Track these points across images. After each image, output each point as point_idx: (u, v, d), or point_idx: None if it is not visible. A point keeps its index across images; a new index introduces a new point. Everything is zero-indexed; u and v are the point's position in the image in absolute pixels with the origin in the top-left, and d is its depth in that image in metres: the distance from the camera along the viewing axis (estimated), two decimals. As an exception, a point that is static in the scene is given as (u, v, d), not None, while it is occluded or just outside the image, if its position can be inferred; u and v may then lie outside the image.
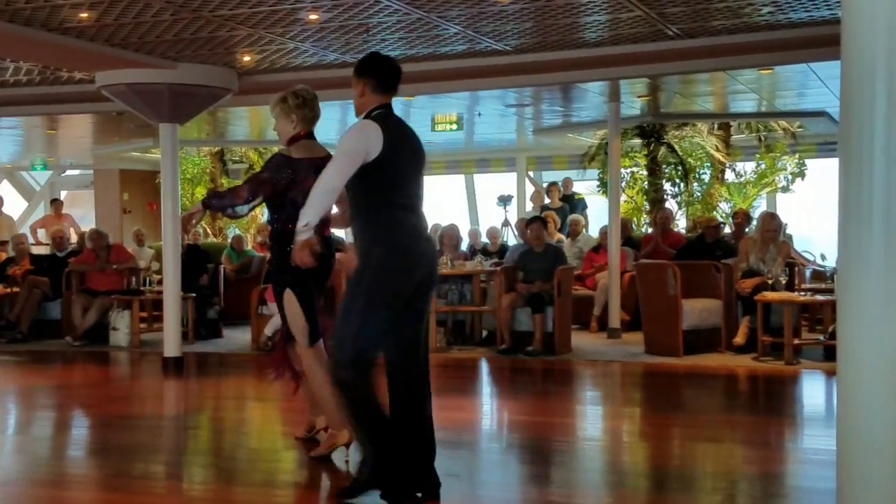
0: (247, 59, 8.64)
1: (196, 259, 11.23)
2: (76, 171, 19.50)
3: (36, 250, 13.54)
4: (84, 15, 7.01)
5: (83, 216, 17.91)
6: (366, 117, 4.33)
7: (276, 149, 16.87)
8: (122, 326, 10.47)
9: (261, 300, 10.03)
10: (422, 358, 4.39)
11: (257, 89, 9.68)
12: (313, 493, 4.76)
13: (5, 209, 16.28)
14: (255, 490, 4.78)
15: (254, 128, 14.97)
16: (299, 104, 5.17)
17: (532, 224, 9.82)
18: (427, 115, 12.57)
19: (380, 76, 4.40)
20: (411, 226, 4.26)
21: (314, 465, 5.29)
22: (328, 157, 4.74)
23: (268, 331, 9.81)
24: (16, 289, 11.33)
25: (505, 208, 13.50)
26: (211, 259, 11.88)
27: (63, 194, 19.26)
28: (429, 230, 4.48)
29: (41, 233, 15.54)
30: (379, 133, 4.18)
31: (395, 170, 4.20)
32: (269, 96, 9.94)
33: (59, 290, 11.08)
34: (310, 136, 5.19)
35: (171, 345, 8.94)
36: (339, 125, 14.49)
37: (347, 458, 5.13)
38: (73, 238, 14.06)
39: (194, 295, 10.66)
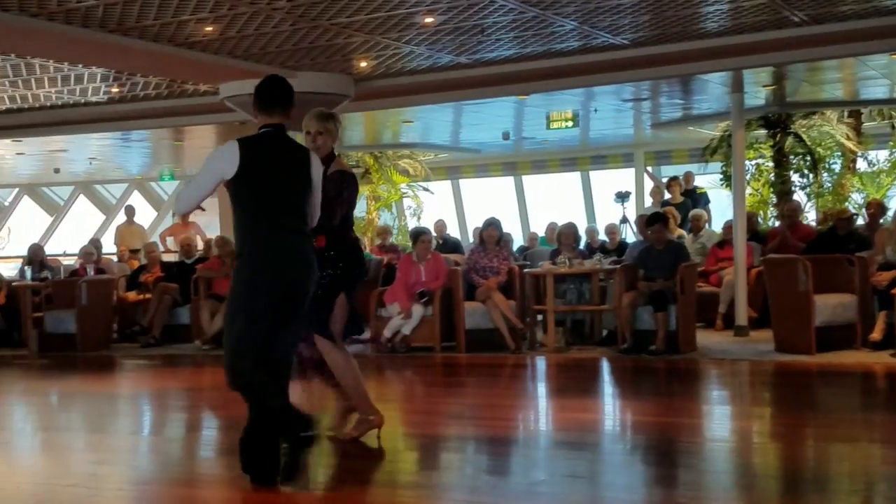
0: (363, 64, 8.74)
1: (317, 263, 11.38)
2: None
3: (166, 258, 14.05)
4: (209, 29, 7.22)
5: (208, 224, 18.47)
6: (244, 136, 4.63)
7: (390, 153, 17.24)
8: (247, 330, 10.69)
9: (380, 302, 10.13)
10: (279, 365, 4.65)
11: (373, 94, 9.80)
12: (432, 493, 4.74)
13: (136, 219, 16.96)
14: (377, 490, 4.80)
15: (369, 132, 15.16)
16: (338, 124, 5.50)
17: (653, 225, 9.58)
18: (542, 113, 12.48)
19: (260, 98, 4.61)
20: (273, 242, 4.48)
21: (434, 466, 5.29)
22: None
23: (387, 332, 9.90)
24: (148, 295, 11.74)
25: (623, 205, 13.26)
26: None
27: (191, 203, 19.87)
28: (302, 247, 4.60)
29: (170, 241, 16.10)
30: (235, 152, 4.43)
31: (257, 187, 4.45)
32: (384, 101, 10.23)
33: (188, 295, 11.44)
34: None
35: (295, 347, 9.08)
36: (452, 127, 14.55)
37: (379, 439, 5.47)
38: (200, 245, 14.51)
39: (316, 298, 10.79)
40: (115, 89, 10.08)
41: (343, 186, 5.28)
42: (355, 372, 5.63)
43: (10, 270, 13.79)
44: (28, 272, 11.85)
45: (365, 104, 10.18)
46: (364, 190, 17.67)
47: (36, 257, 11.96)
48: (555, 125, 12.70)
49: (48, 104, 10.88)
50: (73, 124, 11.68)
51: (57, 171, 17.75)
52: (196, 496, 4.77)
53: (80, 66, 8.83)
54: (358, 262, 5.55)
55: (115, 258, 14.17)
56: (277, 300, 4.50)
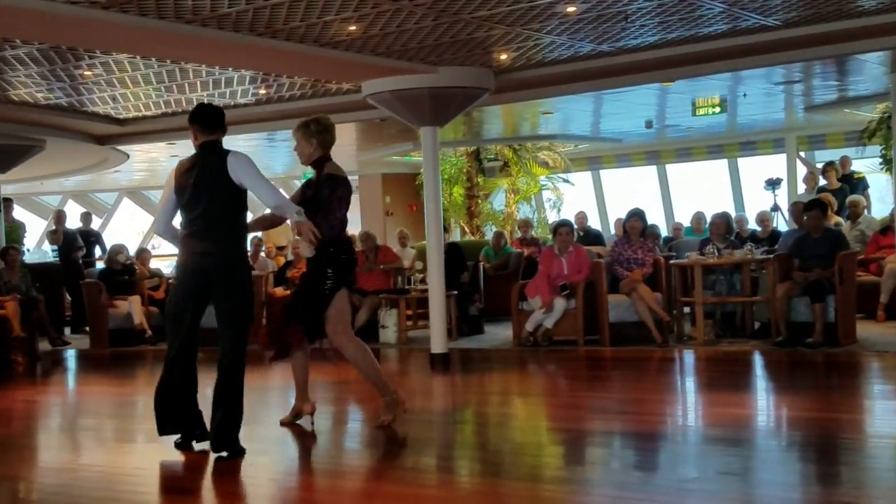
0: (503, 57, 8.69)
1: (456, 257, 11.45)
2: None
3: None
4: (352, 28, 7.32)
5: (349, 220, 18.85)
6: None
7: (529, 145, 17.13)
8: (390, 324, 10.87)
9: (521, 296, 10.07)
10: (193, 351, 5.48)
11: (513, 87, 9.73)
12: (579, 488, 4.64)
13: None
14: (521, 484, 4.74)
15: (507, 125, 15.10)
16: (320, 130, 5.91)
17: (810, 211, 9.15)
18: (687, 99, 12.13)
19: (195, 120, 5.40)
20: (187, 246, 5.29)
21: (579, 461, 5.20)
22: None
23: (529, 326, 9.84)
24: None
25: (773, 192, 12.74)
26: (468, 257, 12.08)
27: (332, 200, 20.33)
28: (206, 247, 5.22)
29: (314, 237, 16.50)
30: (173, 171, 5.35)
31: (181, 199, 5.28)
32: (524, 93, 10.15)
33: (333, 290, 11.65)
34: (329, 157, 5.95)
35: (438, 341, 9.16)
36: (592, 117, 14.32)
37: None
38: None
39: (456, 292, 10.87)
40: (261, 91, 10.37)
41: (335, 186, 5.74)
42: (370, 358, 5.98)
43: (166, 267, 14.44)
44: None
45: (504, 97, 10.11)
46: (503, 183, 17.65)
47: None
48: (701, 111, 12.33)
49: (199, 107, 11.30)
50: (222, 126, 12.08)
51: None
52: (341, 487, 4.83)
53: (230, 69, 9.13)
54: (353, 260, 6.02)
55: (262, 255, 14.61)
56: (201, 300, 5.39)
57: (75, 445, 6.31)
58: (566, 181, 18.19)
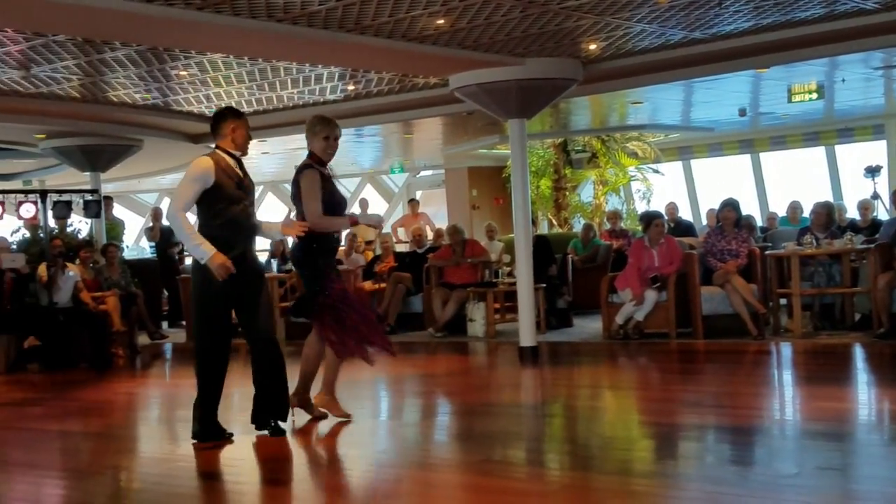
0: (592, 47, 8.58)
1: (543, 250, 11.39)
2: (429, 172, 20.67)
3: (399, 248, 14.50)
4: (440, 22, 7.33)
5: (435, 213, 18.94)
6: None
7: (618, 136, 16.93)
8: (478, 317, 10.87)
9: (610, 288, 9.96)
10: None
11: (602, 77, 9.61)
12: (673, 483, 4.56)
13: (369, 211, 17.64)
14: (612, 478, 4.68)
15: (595, 116, 14.93)
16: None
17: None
18: (782, 86, 11.80)
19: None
20: None
21: (673, 455, 5.11)
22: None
23: (619, 319, 9.72)
24: (383, 285, 12.16)
25: (873, 180, 12.29)
26: (555, 250, 12.00)
27: (418, 194, 20.49)
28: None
29: (401, 231, 16.63)
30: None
31: None
32: (613, 83, 10.02)
33: (421, 284, 11.74)
34: None
35: (527, 334, 9.12)
36: (683, 106, 14.06)
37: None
38: (430, 235, 14.87)
39: (544, 285, 10.81)
40: (350, 87, 10.48)
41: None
42: (318, 363, 6.14)
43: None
44: (274, 264, 12.57)
45: (592, 87, 10.00)
46: (591, 174, 17.47)
47: (277, 250, 12.66)
48: (797, 98, 11.97)
49: (290, 105, 11.48)
50: (312, 123, 12.26)
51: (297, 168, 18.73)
52: (435, 479, 4.85)
53: (319, 66, 9.25)
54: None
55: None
56: None
57: (173, 436, 6.48)
58: (656, 171, 17.90)
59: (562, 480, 4.79)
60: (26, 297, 10.30)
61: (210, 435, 5.56)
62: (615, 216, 14.23)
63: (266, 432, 5.66)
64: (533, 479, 4.81)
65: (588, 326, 11.00)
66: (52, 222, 11.23)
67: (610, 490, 4.47)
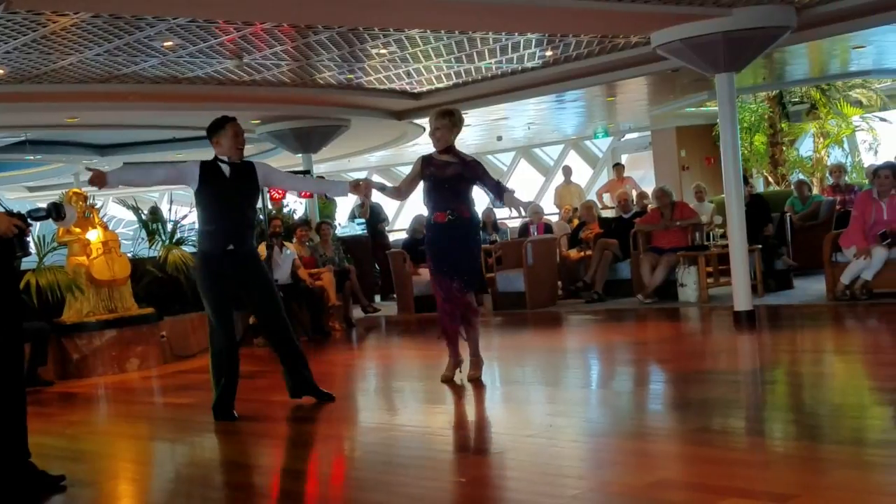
0: (804, -11, 8.05)
1: (759, 210, 10.87)
2: (634, 135, 20.16)
3: (604, 214, 14.25)
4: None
5: (642, 177, 18.47)
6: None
7: (839, 84, 15.84)
8: (689, 282, 10.52)
9: (834, 247, 9.36)
10: None
11: (818, 22, 9.00)
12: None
13: (573, 178, 17.45)
14: (841, 448, 4.37)
15: (813, 64, 14.01)
16: (457, 122, 6.53)
17: None
18: None
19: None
20: None
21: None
22: None
23: (844, 279, 9.13)
24: (589, 252, 12.01)
25: None
26: (772, 209, 11.42)
27: (624, 158, 20.05)
28: None
29: (606, 197, 16.34)
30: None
31: None
32: (832, 27, 9.34)
33: (628, 250, 11.49)
34: None
35: (742, 298, 8.73)
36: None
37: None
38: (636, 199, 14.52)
39: (760, 247, 10.31)
40: (549, 53, 10.34)
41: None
42: None
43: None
44: (482, 235, 12.67)
45: (808, 34, 9.36)
46: (810, 127, 16.50)
47: (488, 220, 12.75)
48: None
49: (489, 75, 11.49)
50: (512, 92, 12.23)
51: (499, 138, 18.80)
52: (648, 449, 4.71)
53: (517, 33, 9.18)
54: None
55: (555, 217, 14.67)
56: None
57: (390, 406, 6.66)
58: (884, 120, 16.64)
59: (786, 450, 4.53)
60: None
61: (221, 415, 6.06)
62: (839, 170, 13.36)
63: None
64: (754, 448, 4.57)
65: (810, 288, 10.42)
66: (269, 204, 11.81)
67: (838, 461, 4.17)
